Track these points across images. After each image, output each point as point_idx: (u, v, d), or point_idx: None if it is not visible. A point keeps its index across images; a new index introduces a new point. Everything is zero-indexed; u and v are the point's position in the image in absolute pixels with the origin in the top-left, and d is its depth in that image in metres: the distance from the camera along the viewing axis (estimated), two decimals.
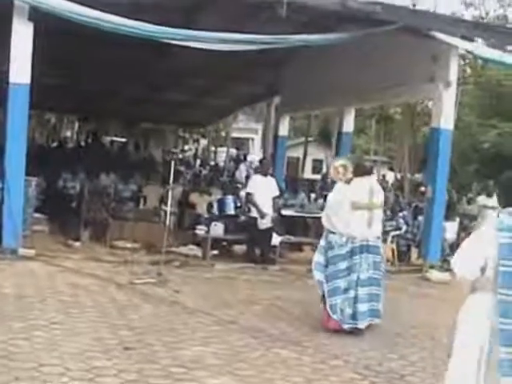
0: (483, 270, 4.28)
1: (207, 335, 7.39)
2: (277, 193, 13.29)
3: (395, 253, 14.00)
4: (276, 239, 13.13)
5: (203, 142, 45.39)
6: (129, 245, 13.18)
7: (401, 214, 15.36)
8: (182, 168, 25.49)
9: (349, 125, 19.32)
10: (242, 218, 13.80)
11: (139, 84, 22.91)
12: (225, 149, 40.18)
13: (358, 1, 12.23)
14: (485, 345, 4.26)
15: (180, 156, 31.82)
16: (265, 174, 13.24)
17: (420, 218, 15.04)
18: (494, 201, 14.52)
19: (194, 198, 15.87)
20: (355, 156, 15.16)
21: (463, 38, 13.27)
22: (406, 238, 14.73)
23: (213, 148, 44.26)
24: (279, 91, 22.44)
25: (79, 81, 21.93)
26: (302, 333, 7.95)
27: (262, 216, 12.64)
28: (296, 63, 18.84)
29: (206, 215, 14.56)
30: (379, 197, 8.67)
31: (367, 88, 15.95)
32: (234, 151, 41.06)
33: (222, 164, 35.32)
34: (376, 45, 13.65)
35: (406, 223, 14.95)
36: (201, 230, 13.45)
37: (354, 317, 8.17)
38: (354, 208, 8.36)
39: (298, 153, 40.45)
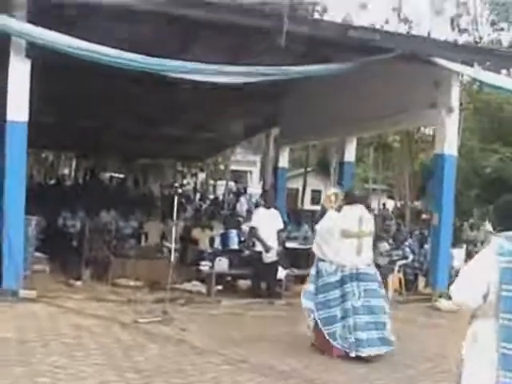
0: (485, 296, 4.19)
1: (217, 375, 7.15)
2: (281, 226, 13.02)
3: (402, 282, 13.80)
4: (281, 273, 12.94)
5: (201, 175, 45.34)
6: (131, 283, 12.98)
7: (407, 243, 15.21)
8: (183, 201, 25.32)
9: (350, 154, 19.19)
10: (247, 252, 13.60)
11: (136, 119, 22.81)
12: (224, 182, 40.11)
13: (357, 29, 12.15)
14: (493, 371, 4.15)
15: (179, 190, 31.71)
16: (268, 207, 13.02)
17: (426, 246, 14.87)
18: None
19: (196, 233, 15.75)
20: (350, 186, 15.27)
21: (463, 62, 13.22)
22: (413, 266, 14.53)
23: (211, 181, 44.20)
24: (278, 122, 22.38)
25: (76, 117, 21.85)
26: (312, 369, 7.75)
27: (267, 250, 12.41)
28: (295, 94, 18.76)
29: (209, 250, 14.40)
30: (368, 225, 8.88)
31: (369, 116, 15.88)
32: (232, 184, 41.01)
33: (221, 197, 35.18)
34: (376, 72, 13.54)
35: (413, 252, 14.77)
36: (205, 266, 13.27)
37: (356, 344, 8.18)
38: (344, 236, 8.58)
39: (296, 184, 40.36)
